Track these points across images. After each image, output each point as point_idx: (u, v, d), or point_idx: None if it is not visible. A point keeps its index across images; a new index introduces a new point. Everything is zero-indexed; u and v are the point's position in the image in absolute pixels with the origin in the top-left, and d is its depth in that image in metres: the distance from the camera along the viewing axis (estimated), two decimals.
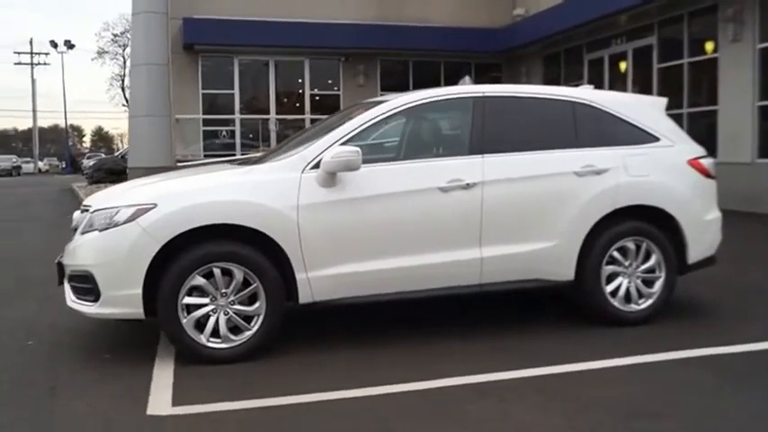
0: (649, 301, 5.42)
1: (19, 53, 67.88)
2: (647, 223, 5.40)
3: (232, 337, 4.70)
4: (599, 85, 16.74)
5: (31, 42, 67.46)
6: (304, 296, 4.80)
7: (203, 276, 4.64)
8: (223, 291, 4.68)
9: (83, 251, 4.78)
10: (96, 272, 4.64)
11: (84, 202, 5.18)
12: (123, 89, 59.83)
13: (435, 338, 5.20)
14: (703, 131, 13.95)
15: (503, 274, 5.14)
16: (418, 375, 4.36)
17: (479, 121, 5.25)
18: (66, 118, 69.16)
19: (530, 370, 4.45)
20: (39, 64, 74.35)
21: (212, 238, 4.67)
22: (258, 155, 5.92)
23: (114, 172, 22.84)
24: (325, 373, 4.52)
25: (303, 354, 4.89)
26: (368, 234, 4.88)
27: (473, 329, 5.42)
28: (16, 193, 26.42)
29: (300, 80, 20.65)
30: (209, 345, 4.68)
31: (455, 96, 5.43)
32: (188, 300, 4.64)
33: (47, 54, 70.45)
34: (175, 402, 4.04)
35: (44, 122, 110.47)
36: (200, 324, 4.68)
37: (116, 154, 33.83)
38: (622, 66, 16.65)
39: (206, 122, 19.71)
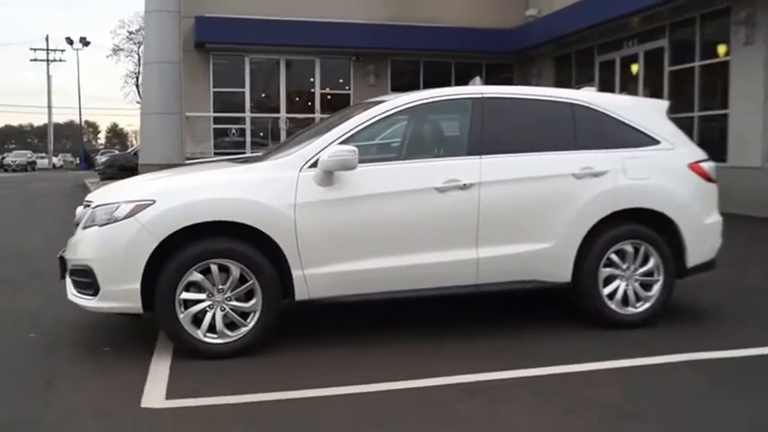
0: (647, 305, 5.42)
1: (35, 50, 67.98)
2: (645, 226, 5.40)
3: (228, 332, 4.75)
4: (610, 88, 16.84)
5: (47, 39, 67.75)
6: (300, 293, 4.84)
7: (201, 272, 4.69)
8: (220, 287, 4.73)
9: (83, 246, 4.84)
10: (96, 266, 4.70)
11: (87, 198, 5.23)
12: (137, 86, 60.09)
13: (430, 338, 5.22)
14: (714, 135, 13.93)
15: (499, 274, 5.16)
16: (410, 374, 4.39)
17: (478, 122, 5.27)
18: (80, 114, 69.94)
19: (522, 371, 4.47)
20: (54, 60, 74.69)
21: (210, 234, 4.71)
22: (259, 153, 5.97)
23: (126, 168, 22.97)
24: (318, 370, 4.55)
25: (298, 350, 4.93)
26: (364, 233, 4.91)
27: (468, 329, 5.45)
28: (30, 189, 26.64)
29: (311, 79, 20.71)
30: (206, 340, 4.73)
31: (454, 97, 5.45)
32: (185, 295, 4.69)
33: (62, 51, 70.94)
34: (169, 396, 4.09)
35: (60, 118, 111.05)
36: (197, 319, 4.73)
37: (128, 151, 34.02)
38: (634, 68, 16.60)
39: (217, 120, 19.80)
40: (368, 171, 4.96)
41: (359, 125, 5.08)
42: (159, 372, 4.49)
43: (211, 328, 4.74)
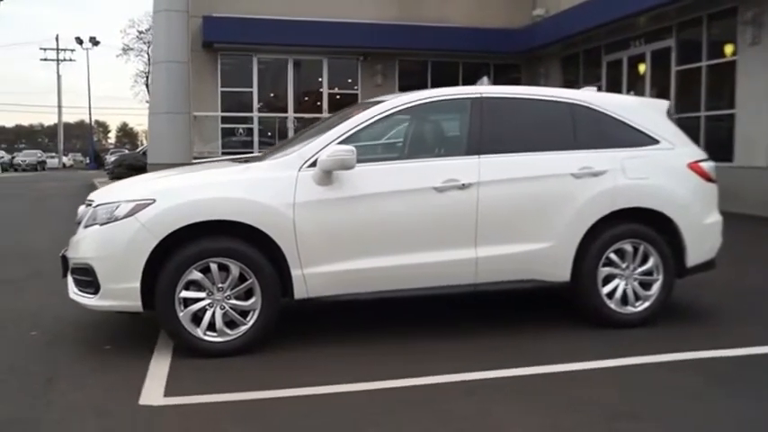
0: (646, 304, 5.43)
1: (45, 49, 68.29)
2: (645, 226, 5.40)
3: (228, 331, 4.79)
4: (617, 87, 16.82)
5: (56, 39, 67.99)
6: (299, 292, 4.87)
7: (200, 271, 4.73)
8: (219, 285, 4.76)
9: (84, 244, 4.89)
10: (96, 265, 4.74)
11: (89, 197, 5.28)
12: (147, 86, 60.26)
13: (427, 337, 5.25)
14: (720, 135, 13.90)
15: (498, 274, 5.18)
16: (406, 372, 4.41)
17: (477, 122, 5.28)
18: (90, 114, 69.97)
19: (519, 369, 4.49)
20: (64, 60, 75.12)
21: (210, 233, 4.75)
22: (261, 153, 6.00)
23: (135, 168, 23.08)
24: (316, 368, 4.59)
25: (297, 349, 4.96)
26: (363, 232, 4.94)
27: (465, 329, 5.48)
28: (39, 188, 26.79)
29: (319, 79, 20.75)
30: (206, 338, 4.77)
31: (453, 97, 5.47)
32: (185, 294, 4.73)
33: (72, 51, 71.16)
34: (168, 393, 4.13)
35: (70, 118, 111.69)
36: (196, 318, 4.77)
37: (137, 150, 34.17)
38: (641, 68, 16.57)
39: (225, 120, 19.85)
40: (367, 171, 4.98)
41: (358, 125, 5.11)
42: (159, 370, 4.53)
43: (211, 327, 4.78)
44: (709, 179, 5.65)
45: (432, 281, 5.09)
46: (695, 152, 5.74)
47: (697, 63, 14.57)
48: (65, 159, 68.67)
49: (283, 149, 5.43)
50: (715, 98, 14.26)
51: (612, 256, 5.35)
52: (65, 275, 5.18)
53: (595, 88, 6.09)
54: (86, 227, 4.93)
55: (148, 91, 57.17)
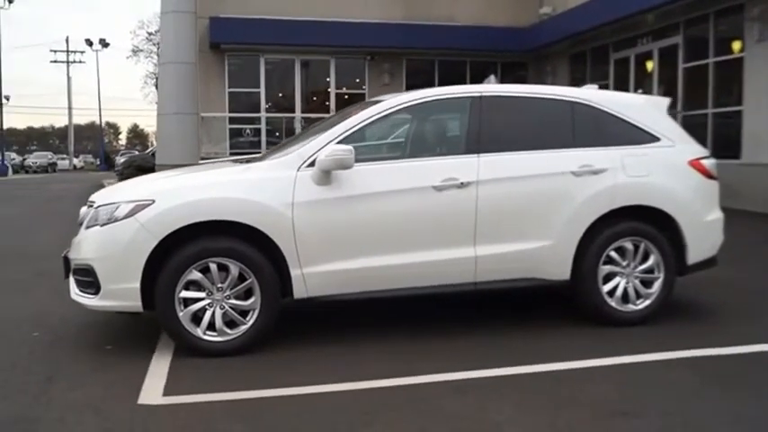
0: (647, 302, 5.42)
1: (55, 51, 68.67)
2: (645, 224, 5.39)
3: (228, 330, 4.81)
4: (625, 85, 16.77)
5: (66, 41, 68.28)
6: (298, 292, 4.89)
7: (200, 271, 4.75)
8: (219, 285, 4.79)
9: (85, 245, 4.92)
10: (96, 265, 4.77)
11: (90, 198, 5.31)
12: (157, 87, 60.45)
13: (424, 336, 5.26)
14: (728, 132, 13.85)
15: (497, 272, 5.18)
16: (402, 371, 4.43)
17: (476, 121, 5.28)
18: (100, 115, 70.55)
19: (515, 368, 4.49)
20: (74, 62, 75.46)
21: (209, 233, 4.77)
22: (261, 153, 6.02)
23: (143, 169, 23.13)
24: (313, 367, 4.61)
25: (296, 348, 4.98)
26: (362, 232, 4.95)
27: (465, 327, 5.49)
28: (50, 189, 26.94)
29: (326, 79, 20.79)
30: (206, 338, 4.80)
31: (452, 96, 5.48)
32: (185, 294, 4.76)
33: (82, 52, 71.61)
34: (167, 392, 4.16)
35: (81, 120, 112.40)
36: (196, 317, 4.79)
37: (147, 151, 34.30)
38: (648, 65, 16.52)
39: (232, 120, 19.92)
40: (366, 170, 5.00)
41: (357, 124, 5.12)
42: (159, 369, 4.56)
43: (211, 327, 4.80)
44: (709, 176, 5.63)
45: (431, 280, 5.09)
46: (696, 149, 5.72)
47: (704, 60, 14.51)
48: (75, 161, 69.02)
49: (283, 149, 5.45)
50: (722, 95, 14.20)
51: (613, 254, 5.35)
52: (67, 276, 5.22)
53: (596, 86, 6.07)
54: (87, 228, 4.97)
55: (158, 92, 57.31)
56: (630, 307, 5.39)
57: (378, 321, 5.67)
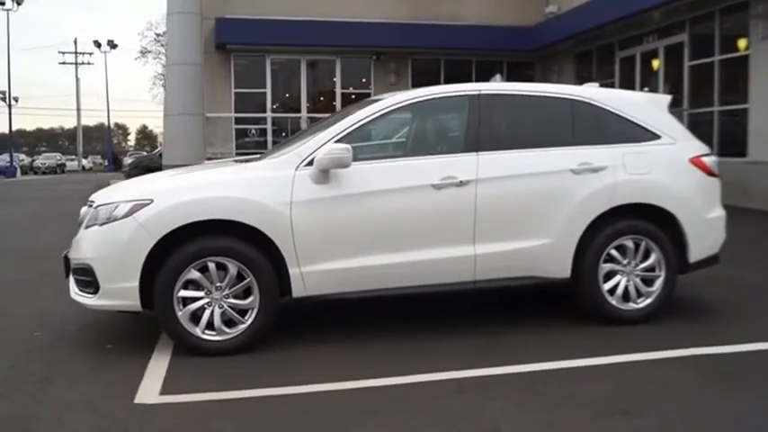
0: (648, 300, 5.39)
1: (63, 53, 69.08)
2: (646, 221, 5.36)
3: (226, 329, 4.81)
4: (630, 83, 16.70)
5: (75, 42, 68.79)
6: (297, 291, 4.88)
7: (198, 270, 4.75)
8: (218, 284, 4.78)
9: (84, 245, 4.94)
10: (95, 265, 4.78)
11: (90, 198, 5.32)
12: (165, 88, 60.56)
13: (423, 334, 5.25)
14: (734, 130, 13.78)
15: (497, 271, 5.16)
16: (400, 370, 4.42)
17: (475, 119, 5.27)
18: (108, 116, 70.32)
19: (514, 367, 4.48)
20: (82, 64, 75.84)
21: (208, 233, 4.77)
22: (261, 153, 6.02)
23: (150, 169, 23.16)
24: (312, 366, 4.60)
25: (294, 347, 4.98)
26: (360, 230, 4.94)
27: (462, 326, 5.48)
28: (57, 190, 27.03)
29: (332, 79, 20.79)
30: (204, 337, 4.80)
31: (451, 94, 5.46)
32: (183, 293, 4.76)
33: (90, 54, 71.94)
34: (163, 392, 4.17)
35: (90, 121, 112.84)
36: (195, 317, 4.79)
37: (154, 152, 34.41)
38: (654, 63, 16.45)
39: (238, 121, 19.95)
40: (364, 169, 4.99)
41: (355, 123, 5.11)
42: (157, 369, 4.56)
43: (209, 326, 4.80)
44: (711, 174, 5.59)
45: (430, 278, 5.08)
46: (697, 147, 5.69)
47: (710, 58, 14.43)
48: (84, 162, 69.23)
49: (282, 149, 5.45)
50: (728, 93, 14.13)
51: (614, 252, 5.32)
52: (67, 276, 5.23)
53: (597, 84, 6.05)
54: (87, 227, 4.98)
55: (164, 93, 57.43)
56: (631, 305, 5.37)
57: (376, 320, 5.66)
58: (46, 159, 60.64)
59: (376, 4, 19.63)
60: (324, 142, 4.95)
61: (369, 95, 20.29)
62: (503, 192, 5.13)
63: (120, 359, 4.80)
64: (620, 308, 5.34)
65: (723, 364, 4.54)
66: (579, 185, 5.23)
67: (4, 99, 50.46)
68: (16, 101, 53.60)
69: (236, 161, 5.83)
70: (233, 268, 4.77)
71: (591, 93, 5.59)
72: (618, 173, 5.30)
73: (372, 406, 3.92)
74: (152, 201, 4.73)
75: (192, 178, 5.19)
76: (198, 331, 4.78)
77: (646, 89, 15.95)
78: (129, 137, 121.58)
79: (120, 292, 4.74)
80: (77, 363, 4.76)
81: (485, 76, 16.20)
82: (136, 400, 4.02)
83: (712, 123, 14.27)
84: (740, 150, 13.38)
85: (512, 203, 5.16)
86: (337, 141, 4.95)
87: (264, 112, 20.17)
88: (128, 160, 32.63)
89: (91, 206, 5.13)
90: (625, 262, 5.36)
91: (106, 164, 63.30)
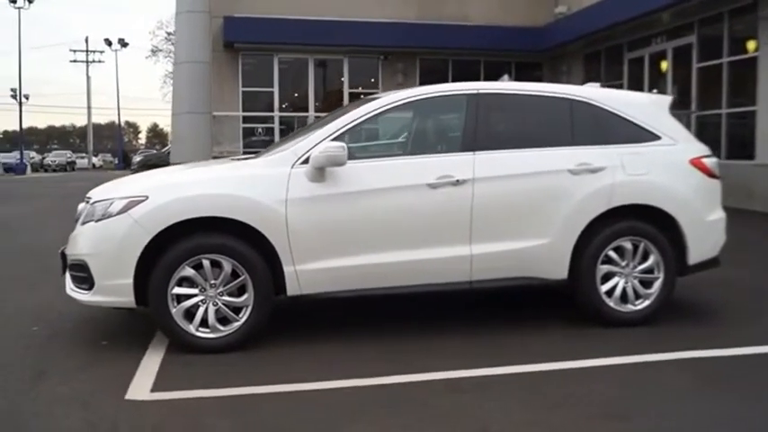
0: (647, 302, 5.35)
1: (74, 51, 69.17)
2: (645, 223, 5.32)
3: (220, 327, 4.80)
4: (639, 85, 16.63)
5: (86, 40, 68.78)
6: (292, 289, 4.87)
7: (193, 267, 4.75)
8: (212, 282, 4.77)
9: (80, 241, 4.94)
10: (90, 261, 4.79)
11: (88, 194, 5.32)
12: None
13: (418, 334, 5.24)
14: (742, 132, 13.71)
15: (493, 271, 5.13)
16: (394, 370, 4.40)
17: (472, 118, 5.24)
18: (119, 115, 71.02)
19: (510, 367, 4.45)
20: (93, 62, 76.07)
21: (203, 230, 4.76)
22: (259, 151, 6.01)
23: (158, 168, 23.25)
24: (305, 364, 4.59)
25: (289, 345, 4.97)
26: (356, 229, 4.92)
27: (457, 326, 5.47)
28: (65, 187, 27.09)
29: (340, 78, 20.79)
30: (198, 334, 4.79)
31: (449, 93, 5.44)
32: (178, 290, 4.75)
33: (101, 52, 72.11)
34: (155, 388, 4.16)
35: (101, 119, 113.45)
36: (189, 314, 4.78)
37: (163, 150, 34.51)
38: (662, 65, 16.39)
39: (246, 120, 19.98)
40: (360, 167, 4.98)
41: (352, 121, 5.10)
42: (150, 365, 4.56)
43: (204, 323, 4.79)
44: (711, 175, 5.54)
45: (426, 278, 5.05)
46: (698, 148, 5.64)
47: (718, 60, 14.37)
48: (94, 160, 69.43)
49: (279, 146, 5.44)
50: (736, 95, 14.05)
51: (612, 253, 5.28)
52: (64, 272, 5.23)
53: (598, 84, 6.01)
54: (83, 223, 4.98)
55: (173, 92, 57.41)
56: (629, 307, 5.32)
57: (372, 319, 5.65)
58: (56, 157, 60.83)
59: (384, 4, 19.63)
60: (320, 140, 4.93)
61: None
62: (500, 191, 5.10)
63: (115, 356, 4.80)
64: (618, 309, 5.30)
65: (721, 368, 4.50)
66: (577, 186, 5.20)
67: (15, 97, 50.67)
68: (27, 98, 53.84)
69: (234, 159, 5.81)
70: (227, 266, 4.76)
71: (590, 93, 5.55)
72: (616, 173, 5.26)
73: (364, 405, 3.90)
74: (147, 197, 4.73)
75: (188, 175, 5.19)
76: (192, 328, 4.77)
77: (654, 91, 15.87)
78: (140, 135, 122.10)
79: (115, 288, 4.74)
80: (72, 359, 4.76)
81: (493, 77, 16.10)
82: (127, 397, 4.02)
83: (720, 126, 14.21)
84: (748, 153, 13.31)
85: (509, 203, 5.13)
86: (333, 140, 4.93)
87: (272, 111, 20.19)
88: (137, 158, 32.75)
89: (88, 202, 5.13)
90: (623, 263, 5.32)
91: (116, 162, 63.51)
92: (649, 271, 5.35)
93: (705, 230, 5.48)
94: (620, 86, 17.20)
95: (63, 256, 5.21)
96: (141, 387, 4.17)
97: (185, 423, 3.69)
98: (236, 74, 19.79)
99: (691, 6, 14.36)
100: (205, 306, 4.78)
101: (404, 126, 5.80)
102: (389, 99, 5.27)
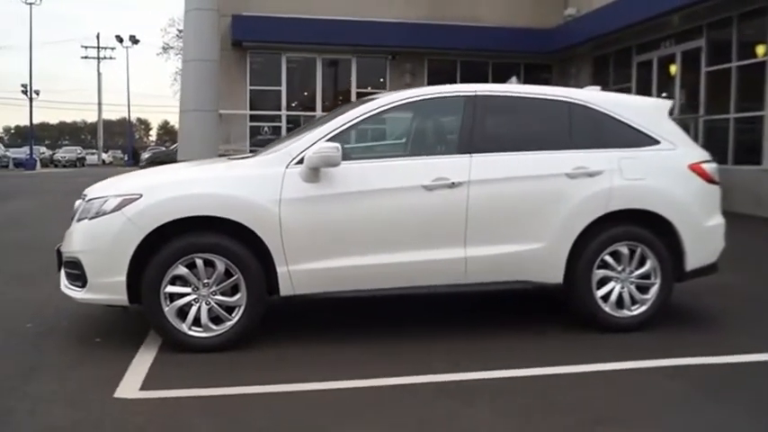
0: (643, 308, 5.31)
1: (86, 47, 69.31)
2: (642, 228, 5.28)
3: (213, 326, 4.79)
4: (647, 88, 16.55)
5: (97, 37, 68.97)
6: (285, 289, 4.85)
7: (186, 266, 4.74)
8: (205, 281, 4.77)
9: (74, 238, 4.95)
10: (84, 258, 4.79)
11: (84, 191, 5.33)
12: None
13: (411, 336, 5.21)
14: (750, 137, 13.62)
15: (488, 274, 5.10)
16: (386, 372, 4.38)
17: (469, 121, 5.22)
18: (129, 111, 70.71)
19: (501, 371, 4.42)
20: (104, 58, 76.30)
21: (197, 229, 4.75)
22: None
23: (166, 164, 23.33)
24: (297, 365, 4.58)
25: (281, 346, 4.96)
26: (350, 230, 4.90)
27: (453, 329, 5.43)
28: (73, 183, 27.11)
29: (348, 78, 20.77)
30: (191, 333, 4.78)
31: (446, 95, 5.41)
32: (171, 289, 4.74)
33: (113, 49, 72.29)
34: (144, 387, 4.16)
35: (112, 115, 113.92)
36: (182, 313, 4.78)
37: (171, 147, 34.61)
38: (671, 69, 16.30)
39: (253, 118, 20.00)
40: (355, 168, 4.96)
41: (348, 122, 5.08)
42: (141, 364, 4.55)
43: (196, 322, 4.78)
44: (711, 181, 5.49)
45: (419, 280, 5.03)
46: (697, 153, 5.60)
47: (727, 64, 14.28)
48: (104, 156, 69.69)
49: (275, 146, 5.43)
50: (745, 100, 13.96)
51: (608, 258, 5.24)
52: (60, 269, 5.23)
53: (598, 87, 5.98)
54: (79, 221, 4.99)
55: (180, 89, 57.46)
56: (625, 312, 5.28)
57: (365, 321, 5.63)
58: (66, 153, 61.02)
59: (392, 4, 19.62)
60: (315, 141, 4.92)
61: None
62: (495, 194, 5.07)
63: (107, 353, 4.80)
64: (613, 315, 5.26)
65: (715, 375, 4.46)
66: (574, 189, 5.16)
67: (25, 92, 50.88)
68: (37, 94, 54.02)
69: (230, 158, 5.81)
70: (221, 265, 4.75)
71: (589, 96, 5.51)
72: (614, 178, 5.22)
73: (352, 407, 3.88)
74: (141, 196, 4.73)
75: (183, 174, 5.19)
76: (185, 327, 4.77)
77: (663, 95, 15.81)
78: (151, 132, 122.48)
79: (108, 286, 4.74)
80: (64, 356, 4.77)
81: (501, 78, 16.01)
82: (115, 395, 4.01)
83: (728, 130, 14.12)
84: (756, 158, 13.22)
85: (504, 206, 5.10)
86: (329, 140, 4.91)
87: (279, 109, 20.20)
88: (145, 155, 32.85)
89: (84, 199, 5.13)
90: (620, 268, 5.27)
91: (126, 158, 63.69)
92: (646, 276, 5.31)
93: (703, 236, 5.43)
94: (628, 89, 17.14)
95: (59, 253, 5.21)
96: (130, 385, 4.16)
97: (171, 422, 3.68)
98: (243, 72, 19.81)
99: (700, 10, 14.28)
100: (198, 305, 4.78)
101: (400, 127, 5.78)
102: (386, 100, 5.25)
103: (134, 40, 63.28)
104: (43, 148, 63.57)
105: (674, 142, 5.50)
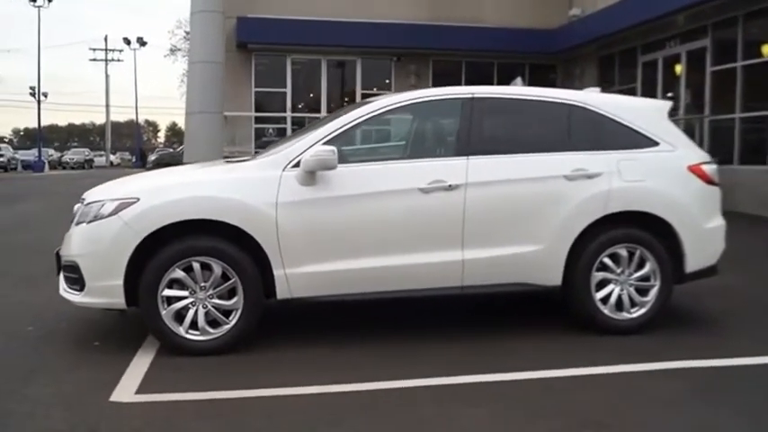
0: (642, 310, 5.28)
1: (94, 49, 69.57)
2: (641, 230, 5.26)
3: (210, 330, 4.80)
4: (652, 88, 16.50)
5: (105, 39, 69.26)
6: (282, 292, 4.85)
7: (183, 270, 4.75)
8: (202, 284, 4.77)
9: (72, 242, 4.96)
10: (81, 262, 4.80)
11: (83, 195, 5.34)
12: None
13: (407, 340, 5.20)
14: (756, 137, 13.57)
15: (485, 276, 5.09)
16: (382, 376, 4.38)
17: (467, 123, 5.21)
18: (136, 113, 71.07)
19: (497, 375, 4.41)
20: (112, 60, 76.54)
21: (194, 232, 4.76)
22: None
23: (172, 166, 23.39)
24: (294, 368, 4.58)
25: (278, 349, 4.96)
26: (347, 233, 4.90)
27: (449, 332, 5.42)
28: (80, 185, 27.09)
29: (353, 79, 20.79)
30: (188, 336, 4.79)
31: (443, 97, 5.40)
32: (168, 292, 4.75)
33: (120, 51, 72.57)
34: (140, 390, 4.16)
35: (120, 117, 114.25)
36: (179, 316, 4.79)
37: (177, 149, 34.70)
38: (676, 68, 16.25)
39: (258, 120, 20.04)
40: (352, 171, 4.96)
41: (345, 125, 5.08)
42: (138, 367, 4.56)
43: (193, 325, 4.79)
44: (711, 182, 5.47)
45: (417, 283, 5.02)
46: (697, 154, 5.57)
47: (732, 64, 14.22)
48: (112, 158, 69.91)
49: (272, 149, 5.43)
50: (751, 99, 13.90)
51: (607, 260, 5.22)
52: (59, 273, 5.25)
53: (598, 89, 5.96)
54: (77, 224, 5.00)
55: (186, 91, 57.58)
56: (624, 315, 5.26)
57: (363, 324, 5.62)
58: (74, 155, 61.24)
59: (397, 6, 19.64)
60: (311, 144, 4.92)
61: None
62: (493, 197, 5.06)
63: (105, 357, 4.81)
64: (612, 317, 5.24)
65: (713, 378, 4.44)
66: (573, 192, 5.14)
67: (33, 95, 51.04)
68: (45, 96, 54.16)
69: (228, 161, 5.81)
70: (217, 268, 4.75)
71: (587, 97, 5.49)
72: (613, 180, 5.20)
73: (346, 410, 3.88)
74: (138, 199, 4.74)
75: (180, 177, 5.20)
76: (182, 331, 4.77)
77: (669, 95, 15.77)
78: (160, 133, 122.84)
79: (105, 289, 4.75)
80: (61, 359, 4.79)
81: (506, 79, 16.04)
82: (111, 399, 4.02)
83: (734, 130, 14.07)
84: (762, 158, 13.17)
85: (502, 209, 5.09)
86: (326, 143, 4.91)
87: (284, 111, 20.23)
88: (152, 157, 32.94)
89: (83, 203, 5.15)
90: (619, 271, 5.25)
91: (133, 160, 63.86)
92: (645, 279, 5.29)
93: (703, 238, 5.41)
94: (633, 90, 17.09)
95: (58, 256, 5.23)
96: (127, 389, 4.17)
97: (166, 426, 3.69)
98: (249, 74, 19.87)
99: (705, 9, 14.23)
100: (195, 308, 4.78)
101: (398, 130, 5.77)
102: (383, 103, 5.24)
103: (142, 42, 63.55)
104: (52, 151, 63.70)
105: (673, 144, 5.48)
